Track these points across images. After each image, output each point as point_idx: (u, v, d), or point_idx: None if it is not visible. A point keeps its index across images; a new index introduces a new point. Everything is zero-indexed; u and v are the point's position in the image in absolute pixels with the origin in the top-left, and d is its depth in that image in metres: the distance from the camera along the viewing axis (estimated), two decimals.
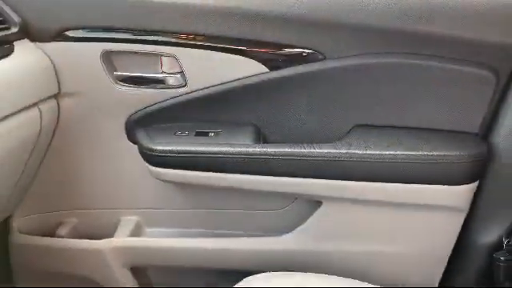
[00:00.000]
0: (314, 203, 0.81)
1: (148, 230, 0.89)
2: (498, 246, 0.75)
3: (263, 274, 0.68)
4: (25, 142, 0.72)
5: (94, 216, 0.88)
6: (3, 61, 0.64)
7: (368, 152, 0.75)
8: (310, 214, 0.82)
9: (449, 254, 0.81)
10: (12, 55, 0.67)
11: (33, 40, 0.73)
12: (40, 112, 0.72)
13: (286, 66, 0.75)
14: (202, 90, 0.78)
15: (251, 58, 0.75)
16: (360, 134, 0.79)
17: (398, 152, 0.74)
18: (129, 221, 0.87)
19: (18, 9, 0.72)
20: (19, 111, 0.67)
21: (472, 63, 0.73)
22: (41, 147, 0.78)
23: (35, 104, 0.71)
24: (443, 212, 0.77)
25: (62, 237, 0.86)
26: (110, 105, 0.80)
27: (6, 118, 0.64)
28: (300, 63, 0.74)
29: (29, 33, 0.72)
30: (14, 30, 0.69)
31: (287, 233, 0.84)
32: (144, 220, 0.88)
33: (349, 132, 0.79)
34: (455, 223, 0.78)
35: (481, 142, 0.76)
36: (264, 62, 0.75)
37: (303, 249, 0.82)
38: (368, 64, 0.74)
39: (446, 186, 0.75)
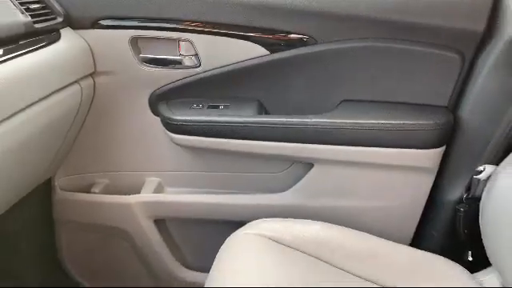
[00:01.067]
0: (307, 166, 0.96)
1: (167, 188, 1.04)
2: (460, 200, 0.90)
3: (263, 219, 0.83)
4: (68, 113, 0.87)
5: (123, 177, 1.04)
6: (53, 46, 0.79)
7: (352, 121, 0.89)
8: (304, 175, 0.97)
9: (422, 208, 0.96)
10: (59, 41, 0.81)
11: (74, 28, 0.87)
12: (80, 88, 0.87)
13: (284, 49, 0.89)
14: (213, 69, 0.92)
15: (255, 42, 0.89)
16: (347, 108, 0.93)
17: (378, 121, 0.89)
18: (152, 181, 1.03)
19: (61, 2, 0.86)
20: (64, 87, 0.82)
21: (440, 46, 0.86)
22: (79, 118, 0.93)
23: (76, 81, 0.86)
24: (416, 172, 0.92)
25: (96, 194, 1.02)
26: (136, 82, 0.94)
27: (54, 92, 0.79)
28: (295, 47, 0.88)
29: (71, 22, 0.87)
30: (60, 19, 0.84)
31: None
32: (164, 181, 1.04)
33: (337, 105, 0.94)
34: (426, 182, 0.93)
35: (448, 114, 0.90)
36: (265, 45, 0.89)
37: (297, 204, 0.97)
38: (352, 48, 0.87)
39: (418, 150, 0.89)
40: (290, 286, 0.70)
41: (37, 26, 0.76)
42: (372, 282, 0.77)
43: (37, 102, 0.74)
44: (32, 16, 0.76)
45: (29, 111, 0.72)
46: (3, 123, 0.65)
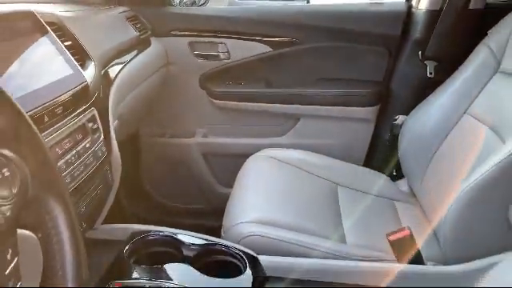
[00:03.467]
0: (296, 120, 1.55)
1: (210, 136, 1.64)
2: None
3: (268, 149, 1.41)
4: (153, 87, 1.47)
5: (182, 129, 1.64)
6: (148, 49, 1.39)
7: (324, 91, 1.48)
8: (294, 126, 1.56)
9: (368, 144, 1.54)
10: (151, 45, 1.41)
11: (156, 36, 1.47)
12: (160, 72, 1.47)
13: (281, 48, 1.47)
14: (238, 60, 1.51)
15: (263, 43, 1.48)
16: (321, 83, 1.51)
17: (339, 90, 1.47)
18: (200, 131, 1.63)
19: (148, 20, 1.46)
20: (154, 72, 1.42)
21: (375, 44, 1.44)
22: (158, 91, 1.53)
23: (158, 69, 1.46)
24: (363, 121, 1.51)
25: None
26: (191, 69, 1.54)
27: (148, 77, 1.38)
28: (288, 46, 1.47)
29: (154, 32, 1.46)
30: (149, 32, 1.44)
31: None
32: (208, 131, 1.64)
33: (315, 81, 1.52)
34: (369, 127, 1.52)
35: (382, 85, 1.47)
36: (270, 45, 1.48)
37: (289, 143, 1.54)
38: (323, 46, 1.46)
39: (363, 107, 1.48)
40: (281, 183, 1.28)
41: (141, 37, 1.36)
42: (330, 181, 1.34)
43: (141, 83, 1.33)
44: (138, 31, 1.35)
45: (138, 88, 1.31)
46: (128, 96, 1.24)
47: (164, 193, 1.71)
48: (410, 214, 1.22)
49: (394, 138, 1.42)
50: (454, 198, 0.90)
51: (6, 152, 0.41)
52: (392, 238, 0.95)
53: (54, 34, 0.82)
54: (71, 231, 0.45)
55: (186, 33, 1.49)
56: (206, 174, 1.64)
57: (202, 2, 1.59)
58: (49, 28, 0.82)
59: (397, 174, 1.46)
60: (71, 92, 0.77)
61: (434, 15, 1.34)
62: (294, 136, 1.57)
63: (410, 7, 1.42)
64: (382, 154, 1.51)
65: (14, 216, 0.40)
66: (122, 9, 1.38)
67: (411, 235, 0.94)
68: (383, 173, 1.43)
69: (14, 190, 0.40)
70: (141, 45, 1.35)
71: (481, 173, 0.87)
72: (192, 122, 1.64)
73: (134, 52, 1.30)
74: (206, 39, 1.49)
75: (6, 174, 0.40)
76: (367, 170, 1.44)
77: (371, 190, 1.31)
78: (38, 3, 1.06)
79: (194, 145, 1.61)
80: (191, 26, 1.49)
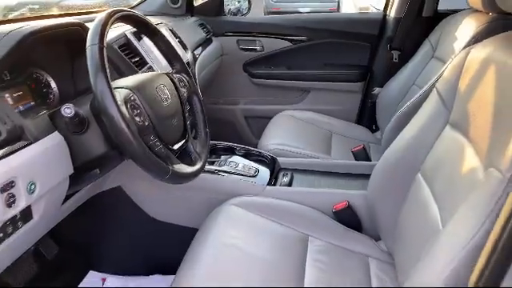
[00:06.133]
0: (307, 92, 2.27)
1: (249, 103, 2.38)
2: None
3: (288, 110, 2.14)
4: (213, 70, 2.21)
5: (230, 98, 2.39)
6: (211, 45, 2.14)
7: (328, 71, 2.19)
8: (306, 96, 2.28)
9: (358, 108, 2.23)
10: (212, 42, 2.16)
11: (215, 36, 2.23)
12: (217, 60, 2.21)
13: (298, 43, 2.20)
14: (270, 51, 2.25)
15: (286, 40, 2.22)
16: (326, 66, 2.23)
17: (336, 71, 2.19)
18: (242, 100, 2.38)
19: (211, 26, 2.21)
20: (213, 60, 2.17)
21: (360, 40, 2.14)
22: (215, 72, 2.28)
23: (216, 58, 2.21)
24: (353, 93, 2.22)
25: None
26: (237, 58, 2.30)
27: (212, 62, 2.14)
28: (302, 42, 2.19)
29: (213, 33, 2.22)
30: (211, 33, 2.19)
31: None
32: (248, 100, 2.38)
33: (321, 65, 2.23)
34: (358, 96, 2.22)
35: (366, 68, 2.17)
36: (290, 41, 2.21)
37: (303, 107, 2.26)
38: (327, 41, 2.18)
39: (353, 83, 2.18)
40: (295, 129, 2.00)
41: (206, 37, 2.11)
42: (328, 130, 2.04)
43: (206, 67, 2.08)
44: (205, 33, 2.11)
45: (204, 70, 2.06)
46: (199, 75, 1.99)
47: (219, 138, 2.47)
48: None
49: (373, 104, 2.11)
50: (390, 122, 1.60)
51: (183, 76, 1.16)
52: (353, 149, 1.67)
53: (173, 35, 1.58)
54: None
55: (235, 33, 2.24)
56: (246, 130, 2.40)
57: (244, 12, 2.34)
58: (171, 32, 1.59)
59: (375, 128, 2.15)
60: None
61: (398, 20, 2.03)
62: (306, 103, 2.29)
63: (385, 15, 2.11)
64: (366, 114, 2.21)
65: (186, 96, 1.15)
66: (194, 18, 2.15)
67: (364, 147, 1.65)
68: (366, 127, 2.12)
69: (186, 89, 1.15)
70: (206, 42, 2.11)
71: (405, 107, 1.56)
72: (237, 94, 2.40)
73: (203, 47, 2.05)
74: (248, 38, 2.24)
75: (183, 83, 1.15)
76: (355, 125, 2.14)
77: (355, 137, 2.01)
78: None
79: (238, 110, 2.37)
80: (238, 29, 2.24)
